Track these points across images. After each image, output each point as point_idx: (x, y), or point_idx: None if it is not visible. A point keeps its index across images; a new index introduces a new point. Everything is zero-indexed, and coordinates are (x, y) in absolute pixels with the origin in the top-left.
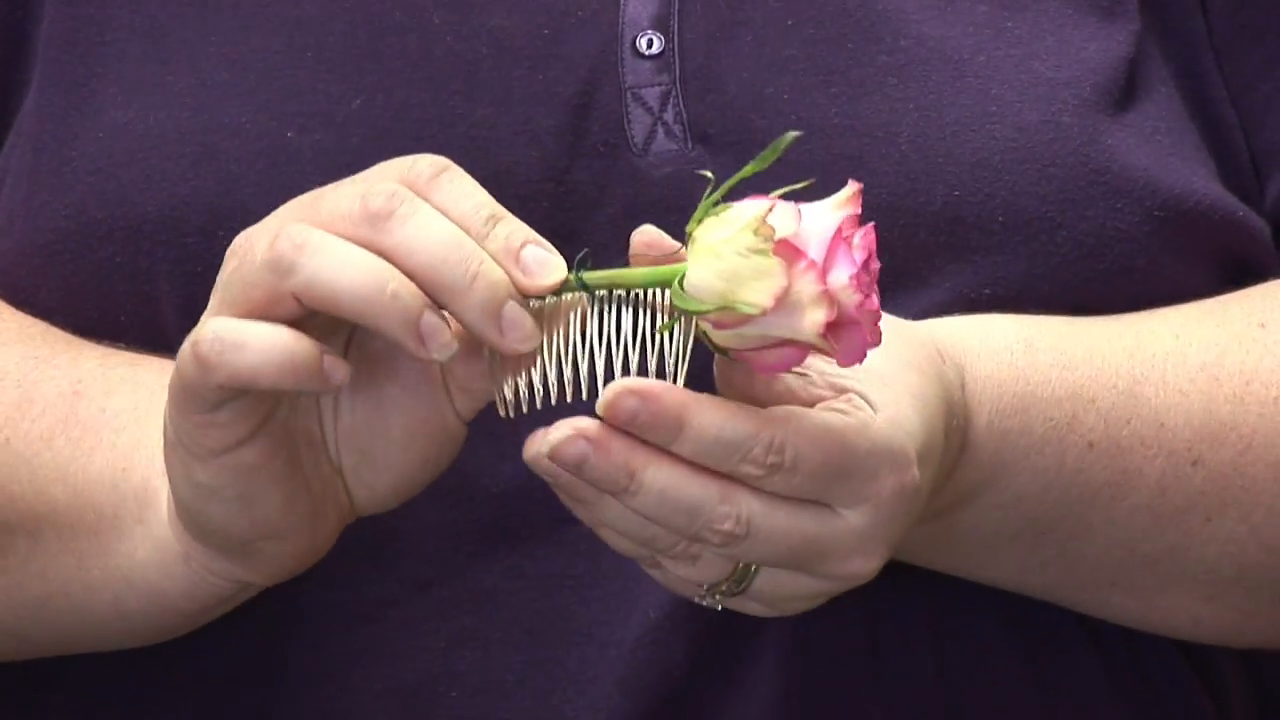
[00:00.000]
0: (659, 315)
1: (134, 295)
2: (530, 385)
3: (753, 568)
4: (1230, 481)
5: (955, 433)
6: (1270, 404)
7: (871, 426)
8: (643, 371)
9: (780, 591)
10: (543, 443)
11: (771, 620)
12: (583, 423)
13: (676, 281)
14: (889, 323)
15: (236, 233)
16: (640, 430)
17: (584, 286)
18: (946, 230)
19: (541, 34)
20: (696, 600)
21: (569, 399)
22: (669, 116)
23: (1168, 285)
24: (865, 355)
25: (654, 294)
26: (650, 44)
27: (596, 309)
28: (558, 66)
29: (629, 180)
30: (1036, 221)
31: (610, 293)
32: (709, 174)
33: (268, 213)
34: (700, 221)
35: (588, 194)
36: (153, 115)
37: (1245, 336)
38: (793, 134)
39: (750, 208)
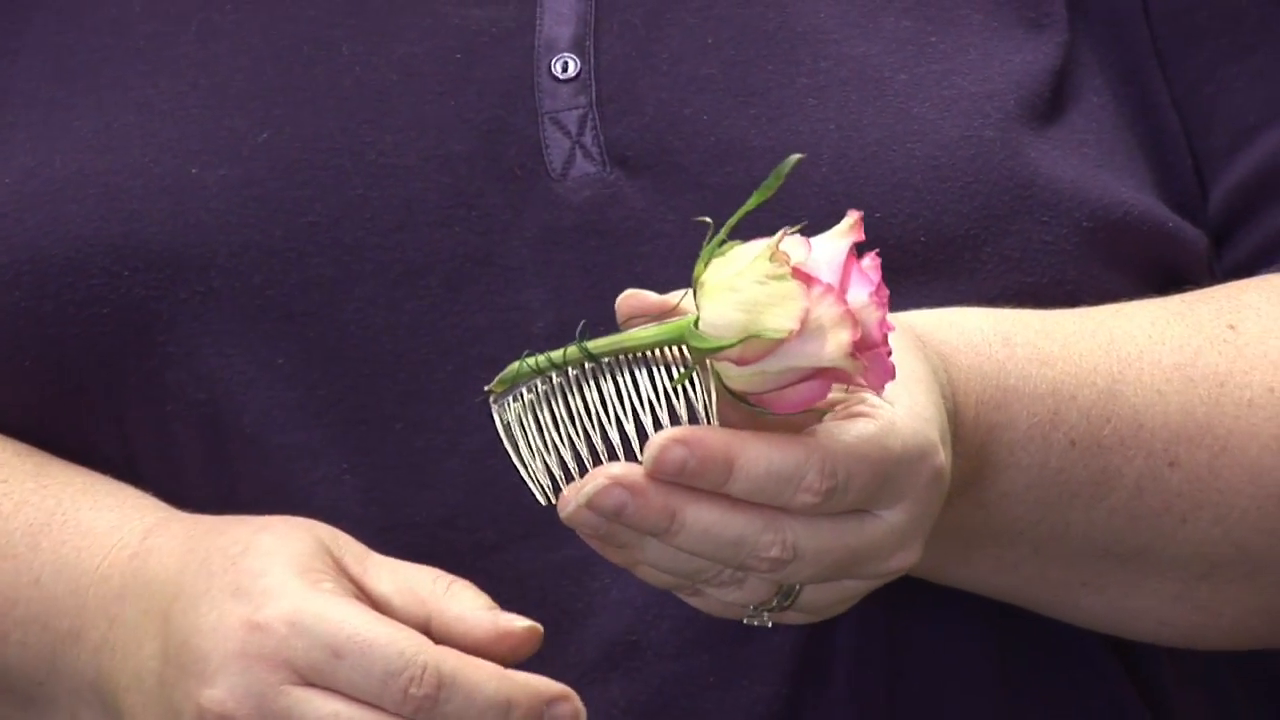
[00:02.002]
0: (672, 368)
1: (40, 339)
2: (562, 464)
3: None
4: (1206, 484)
5: (950, 419)
6: (1244, 406)
7: (898, 424)
8: (674, 423)
9: (825, 599)
10: (578, 497)
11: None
12: (616, 469)
13: (690, 328)
14: None
15: (140, 272)
16: (690, 478)
17: (591, 357)
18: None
19: (453, 59)
20: (745, 621)
21: (603, 462)
22: (587, 140)
23: (1096, 296)
24: (893, 374)
25: (660, 350)
26: (566, 67)
27: (609, 376)
28: (470, 91)
29: (546, 205)
30: (960, 239)
31: (618, 357)
32: (707, 219)
33: (170, 250)
34: (706, 264)
35: (502, 218)
36: (58, 159)
37: (1217, 338)
38: (795, 157)
39: (760, 242)
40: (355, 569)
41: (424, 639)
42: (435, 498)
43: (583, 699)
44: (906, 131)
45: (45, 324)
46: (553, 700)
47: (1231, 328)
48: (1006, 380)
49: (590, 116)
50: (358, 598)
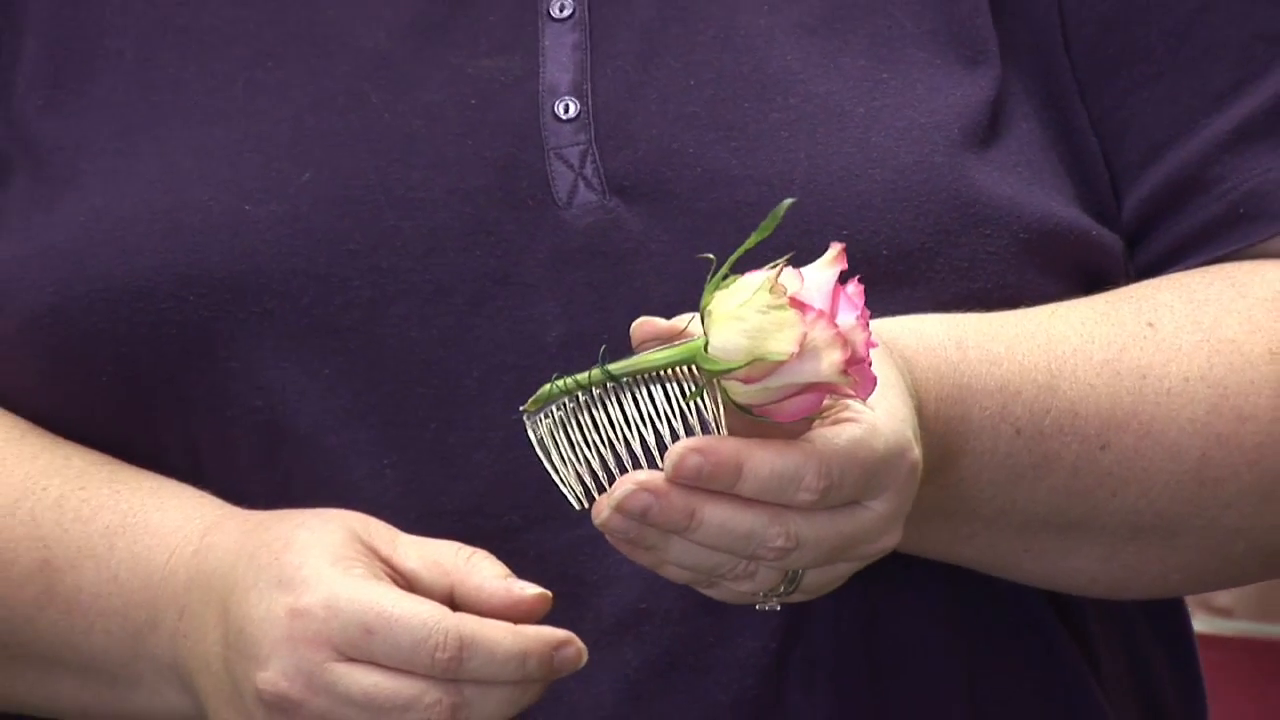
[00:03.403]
0: (685, 385)
1: (115, 357)
2: (591, 472)
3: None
4: (1132, 463)
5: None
6: (1164, 395)
7: (879, 426)
8: (688, 434)
9: (822, 580)
10: (610, 502)
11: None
12: (641, 476)
13: (702, 350)
14: None
15: (202, 297)
16: (705, 481)
17: (612, 377)
18: None
19: (469, 104)
20: (756, 607)
21: (628, 470)
22: (588, 172)
23: (1034, 297)
24: (876, 384)
25: (673, 370)
26: (567, 109)
27: (629, 393)
28: (484, 132)
29: (555, 230)
30: (916, 252)
31: (636, 377)
32: (710, 256)
33: (228, 276)
34: (712, 296)
35: (517, 243)
36: (127, 199)
37: (1139, 335)
38: (789, 201)
39: (759, 274)
40: (385, 549)
41: (445, 609)
42: (466, 488)
43: (598, 660)
44: (866, 159)
45: (119, 344)
46: (559, 645)
47: (1150, 325)
48: (960, 379)
49: (590, 152)
50: (389, 575)
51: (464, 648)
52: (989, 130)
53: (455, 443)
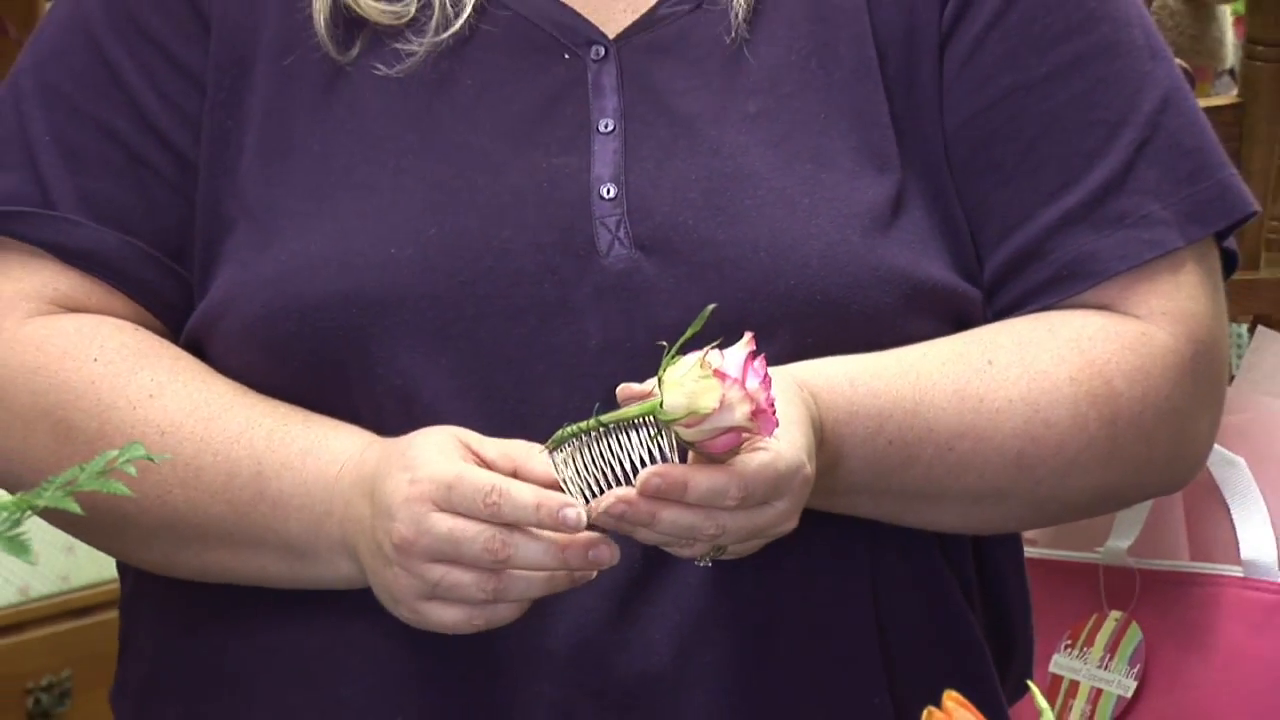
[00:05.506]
0: (649, 430)
1: (302, 352)
2: (595, 492)
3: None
4: (972, 459)
5: (816, 435)
6: (995, 413)
7: (782, 452)
8: (652, 462)
9: (743, 549)
10: (598, 508)
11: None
12: (619, 492)
13: (658, 406)
14: (773, 372)
15: (362, 313)
16: (663, 494)
17: (602, 424)
18: (783, 307)
19: (542, 187)
20: (697, 563)
21: (612, 487)
22: (621, 234)
23: (919, 335)
24: (776, 426)
25: (642, 419)
26: (609, 191)
27: (614, 435)
28: (552, 206)
29: (597, 273)
30: (836, 302)
31: (619, 424)
32: (664, 343)
33: (378, 299)
34: (665, 369)
35: (571, 280)
36: (312, 245)
37: (980, 370)
38: (711, 306)
39: (694, 356)
40: (475, 445)
41: (499, 475)
42: (531, 441)
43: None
44: (808, 234)
45: (306, 342)
46: (562, 504)
47: (990, 362)
48: (850, 407)
49: (623, 221)
50: (475, 460)
51: (502, 496)
52: (891, 217)
53: (526, 412)
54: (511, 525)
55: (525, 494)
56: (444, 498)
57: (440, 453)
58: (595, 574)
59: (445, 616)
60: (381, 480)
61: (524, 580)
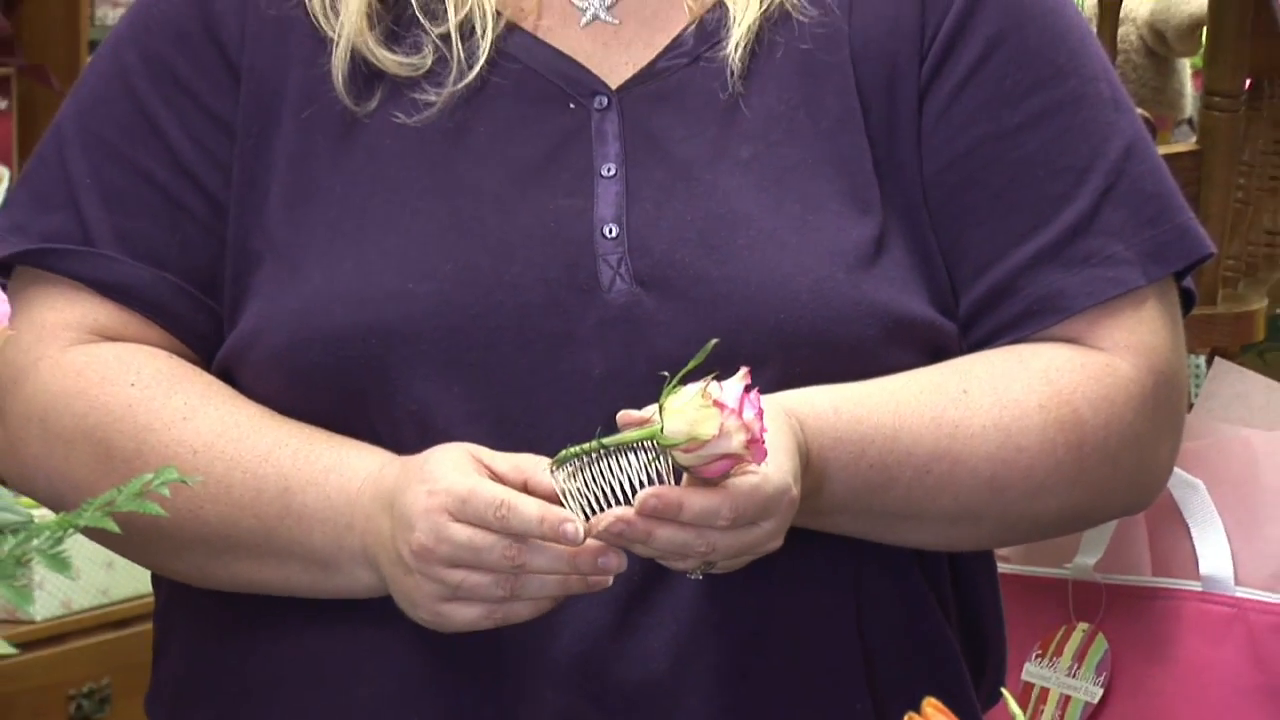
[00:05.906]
0: (649, 453)
1: (325, 378)
2: (594, 508)
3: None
4: (948, 482)
5: (802, 459)
6: (969, 438)
7: (770, 477)
8: (650, 484)
9: (732, 565)
10: (598, 526)
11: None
12: (618, 511)
13: (659, 432)
14: (763, 401)
15: (381, 341)
16: (659, 514)
17: (605, 447)
18: (774, 339)
19: (550, 226)
20: (689, 576)
21: (608, 505)
22: (623, 271)
23: (899, 365)
24: (769, 452)
25: (642, 444)
26: (611, 231)
27: (615, 457)
28: (558, 244)
29: (600, 306)
30: (821, 334)
31: (620, 447)
32: (665, 374)
33: (396, 330)
34: (667, 396)
35: (576, 313)
36: (334, 281)
37: (956, 400)
38: (713, 341)
39: (695, 386)
40: (487, 459)
41: (509, 490)
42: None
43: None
44: (797, 271)
45: (329, 369)
46: (563, 519)
47: (965, 391)
48: (835, 433)
49: (624, 258)
50: (488, 474)
51: (510, 509)
52: (874, 256)
53: (533, 436)
54: (521, 536)
55: (531, 508)
56: (459, 509)
57: (455, 467)
58: (610, 580)
59: (465, 614)
60: (400, 494)
61: (539, 580)
